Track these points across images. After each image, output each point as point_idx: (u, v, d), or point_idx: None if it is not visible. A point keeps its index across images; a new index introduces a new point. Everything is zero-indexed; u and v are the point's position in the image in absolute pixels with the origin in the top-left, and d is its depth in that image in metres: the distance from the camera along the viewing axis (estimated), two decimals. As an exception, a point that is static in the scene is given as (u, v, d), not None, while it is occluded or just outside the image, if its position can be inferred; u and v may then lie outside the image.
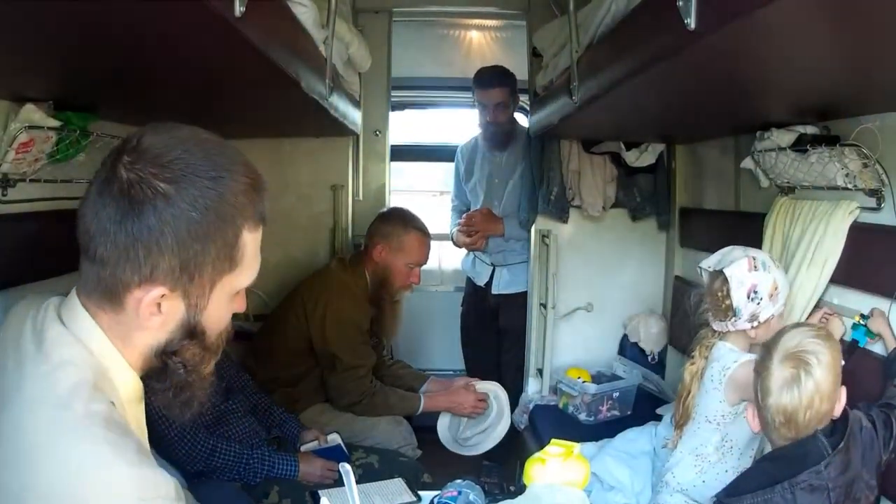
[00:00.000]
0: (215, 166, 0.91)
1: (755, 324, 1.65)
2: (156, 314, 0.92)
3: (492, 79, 3.14)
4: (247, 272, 0.98)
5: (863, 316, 1.62)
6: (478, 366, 3.31)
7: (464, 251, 3.43)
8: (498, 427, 2.69)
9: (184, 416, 1.03)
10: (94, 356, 0.91)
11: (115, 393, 0.92)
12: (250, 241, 0.96)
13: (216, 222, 0.90)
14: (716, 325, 1.71)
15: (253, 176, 0.95)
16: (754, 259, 1.65)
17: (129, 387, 0.96)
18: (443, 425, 2.69)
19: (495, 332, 3.43)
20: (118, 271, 0.89)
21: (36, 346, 0.90)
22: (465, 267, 3.48)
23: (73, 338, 0.91)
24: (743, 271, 1.63)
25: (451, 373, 3.52)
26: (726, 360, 1.67)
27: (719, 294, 1.67)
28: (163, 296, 0.90)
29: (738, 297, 1.64)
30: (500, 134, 3.20)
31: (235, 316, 3.28)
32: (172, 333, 0.95)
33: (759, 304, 1.63)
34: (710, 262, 1.73)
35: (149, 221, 0.87)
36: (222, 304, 0.97)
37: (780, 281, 1.66)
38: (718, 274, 1.67)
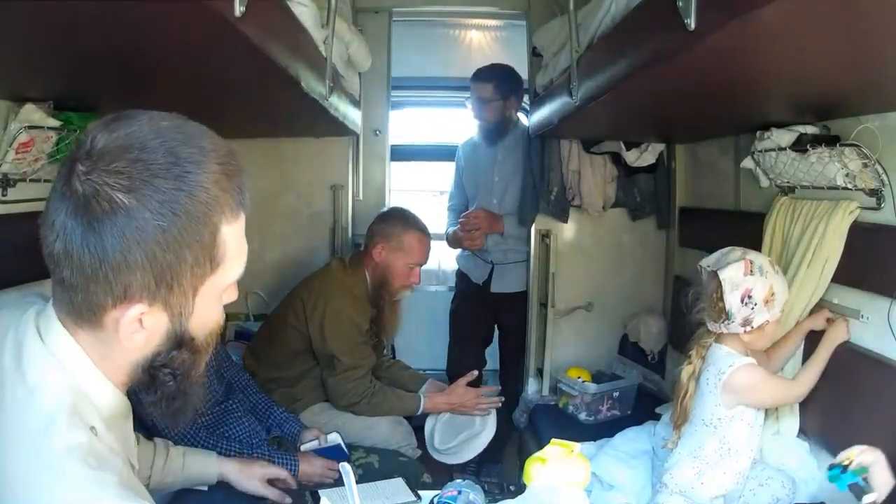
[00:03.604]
0: (179, 161, 0.80)
1: (748, 328, 1.64)
2: (138, 331, 0.85)
3: (478, 73, 3.17)
4: (232, 267, 0.90)
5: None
6: (462, 365, 3.26)
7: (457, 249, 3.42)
8: (482, 435, 2.57)
9: (178, 425, 0.99)
10: (73, 377, 0.86)
11: (97, 414, 0.87)
12: (231, 234, 0.87)
13: (188, 226, 0.81)
14: (711, 326, 1.71)
15: (224, 161, 0.84)
16: (752, 263, 1.63)
17: (112, 405, 0.90)
18: (426, 431, 2.64)
19: (488, 331, 3.43)
20: (90, 295, 0.81)
21: (15, 362, 0.85)
22: (462, 264, 3.47)
23: (50, 357, 0.86)
24: (738, 275, 1.62)
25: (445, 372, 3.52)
26: (722, 364, 1.67)
27: (714, 295, 1.66)
28: (143, 313, 0.83)
29: (731, 300, 1.63)
30: (484, 129, 3.21)
31: (235, 316, 3.27)
32: (159, 346, 0.89)
33: (752, 309, 1.62)
34: (709, 261, 1.72)
35: (112, 240, 0.78)
36: (210, 306, 0.90)
37: (778, 287, 1.64)
38: (714, 275, 1.67)
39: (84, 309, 0.84)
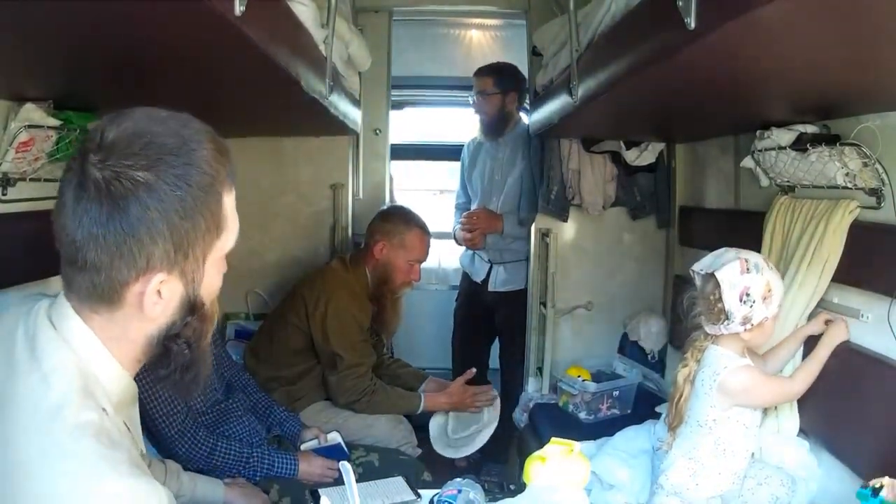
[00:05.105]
0: (184, 140, 0.90)
1: (748, 326, 1.64)
2: (158, 302, 0.91)
3: (480, 69, 3.25)
4: (231, 233, 0.98)
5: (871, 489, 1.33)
6: (465, 363, 3.30)
7: (461, 248, 3.45)
8: (487, 428, 2.63)
9: (192, 395, 1.04)
10: (85, 361, 0.90)
11: (107, 397, 0.91)
12: (229, 203, 0.96)
13: (199, 195, 0.90)
14: (709, 329, 1.70)
15: (212, 138, 0.94)
16: (746, 261, 1.63)
17: (121, 390, 0.95)
18: (434, 426, 2.66)
19: (489, 329, 3.44)
20: (113, 273, 0.87)
21: (28, 351, 0.89)
22: (463, 263, 3.50)
23: (63, 343, 0.90)
24: (735, 274, 1.62)
25: (450, 371, 3.53)
26: (716, 365, 1.66)
27: (711, 297, 1.65)
28: (162, 282, 0.90)
29: (729, 300, 1.62)
30: (484, 123, 3.27)
31: (236, 315, 3.28)
32: (174, 316, 0.95)
33: (751, 306, 1.62)
34: (701, 264, 1.71)
35: (137, 214, 0.86)
36: (215, 272, 0.98)
37: (774, 282, 1.64)
38: (710, 277, 1.65)
39: (107, 288, 0.89)
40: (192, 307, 0.95)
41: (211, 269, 0.96)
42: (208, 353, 1.02)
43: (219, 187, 0.93)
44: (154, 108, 0.93)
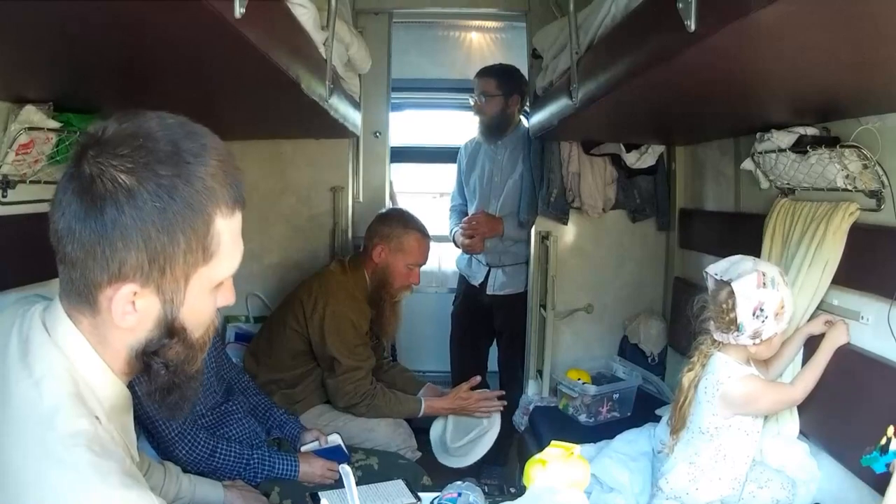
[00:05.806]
0: (180, 151, 0.86)
1: (757, 341, 1.63)
2: (130, 313, 0.88)
3: (483, 69, 3.25)
4: (226, 262, 0.92)
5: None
6: (463, 366, 3.30)
7: (459, 250, 3.44)
8: (489, 434, 2.59)
9: (174, 419, 1.01)
10: (76, 365, 0.89)
11: (99, 404, 0.89)
12: (226, 228, 0.90)
13: (183, 211, 0.85)
14: (717, 336, 1.68)
15: (223, 158, 0.89)
16: (764, 275, 1.61)
17: (113, 396, 0.93)
18: (434, 434, 2.64)
19: (487, 331, 3.44)
20: (87, 271, 0.85)
21: (21, 356, 0.88)
22: (460, 266, 3.49)
23: (55, 348, 0.88)
24: (751, 287, 1.60)
25: (449, 374, 3.52)
26: (720, 374, 1.65)
27: (724, 306, 1.64)
28: (135, 293, 0.87)
29: (743, 313, 1.61)
30: (485, 124, 3.25)
31: (236, 318, 3.27)
32: (151, 332, 0.91)
33: (763, 321, 1.60)
34: (717, 268, 1.69)
35: (111, 216, 0.83)
36: (202, 298, 0.93)
37: (787, 299, 1.62)
38: (725, 285, 1.63)
39: (81, 286, 0.87)
40: (169, 329, 0.91)
41: (198, 295, 0.91)
42: (195, 381, 0.98)
43: (211, 208, 0.88)
44: (169, 115, 0.89)
